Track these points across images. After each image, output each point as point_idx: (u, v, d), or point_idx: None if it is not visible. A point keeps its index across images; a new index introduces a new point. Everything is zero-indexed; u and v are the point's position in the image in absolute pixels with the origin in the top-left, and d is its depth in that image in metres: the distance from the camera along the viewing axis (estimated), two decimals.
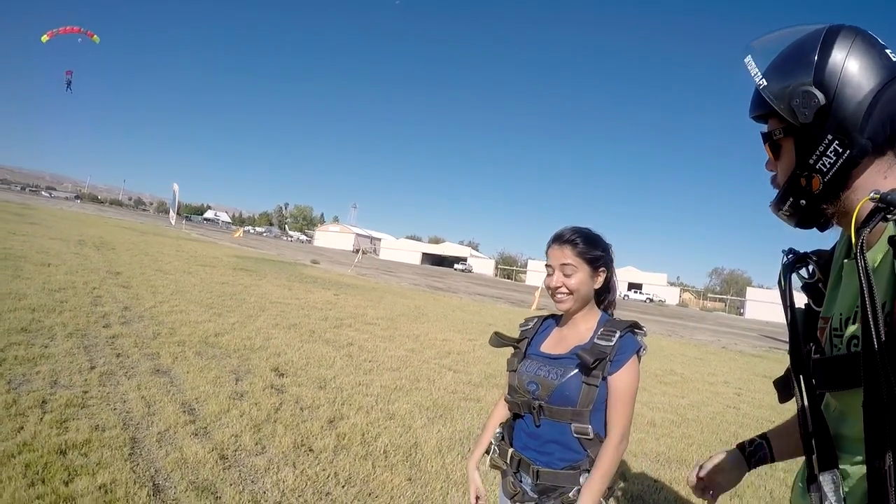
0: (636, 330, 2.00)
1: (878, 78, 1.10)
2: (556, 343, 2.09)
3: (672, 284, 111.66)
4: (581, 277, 2.00)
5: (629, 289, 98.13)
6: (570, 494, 1.89)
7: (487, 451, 2.17)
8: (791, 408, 1.27)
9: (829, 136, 1.12)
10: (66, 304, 8.13)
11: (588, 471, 1.89)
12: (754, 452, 1.55)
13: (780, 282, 1.37)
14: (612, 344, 1.92)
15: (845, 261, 1.22)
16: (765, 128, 1.28)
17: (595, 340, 1.96)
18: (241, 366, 6.44)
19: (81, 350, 5.93)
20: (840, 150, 1.11)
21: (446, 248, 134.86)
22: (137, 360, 5.91)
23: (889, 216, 1.03)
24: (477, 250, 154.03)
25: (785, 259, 1.38)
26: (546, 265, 2.08)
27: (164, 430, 4.23)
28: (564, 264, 2.01)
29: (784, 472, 5.30)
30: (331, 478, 3.91)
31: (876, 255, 1.08)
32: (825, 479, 1.09)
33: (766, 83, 1.20)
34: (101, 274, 11.88)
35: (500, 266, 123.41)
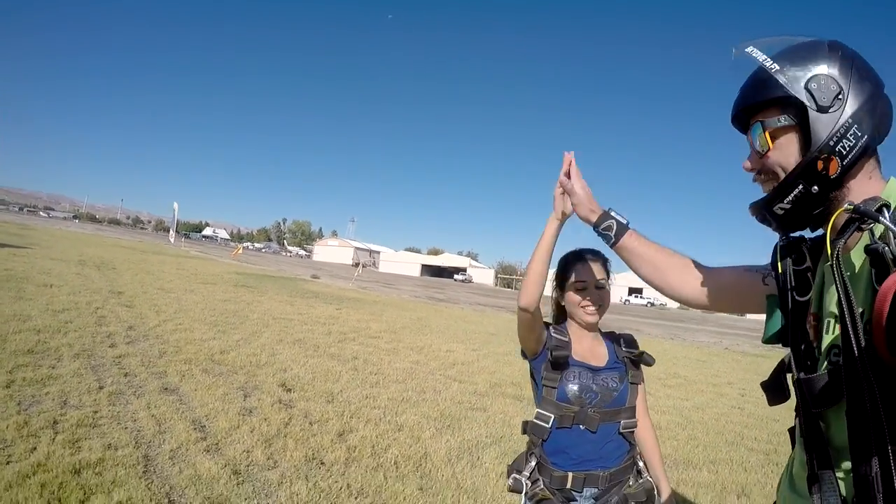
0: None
1: (875, 83, 1.18)
2: (586, 354, 2.15)
3: None
4: (609, 290, 2.17)
5: (630, 293, 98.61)
6: (630, 482, 2.07)
7: (518, 490, 2.09)
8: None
9: (849, 120, 1.14)
10: (70, 324, 8.15)
11: (639, 454, 2.15)
12: None
13: (774, 264, 1.35)
14: (639, 350, 2.21)
15: (826, 265, 1.21)
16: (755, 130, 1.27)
17: (625, 349, 2.20)
18: (248, 382, 6.47)
19: (89, 370, 5.95)
20: (859, 135, 1.14)
21: (445, 259, 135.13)
22: (145, 379, 5.93)
23: (864, 226, 1.06)
24: (476, 260, 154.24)
25: (780, 241, 1.36)
26: (577, 281, 2.14)
27: (176, 447, 4.25)
28: (600, 278, 2.12)
29: None
30: (343, 490, 3.94)
31: (855, 260, 1.12)
32: (824, 478, 1.09)
33: (778, 67, 1.19)
34: (103, 294, 11.90)
35: (500, 275, 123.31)
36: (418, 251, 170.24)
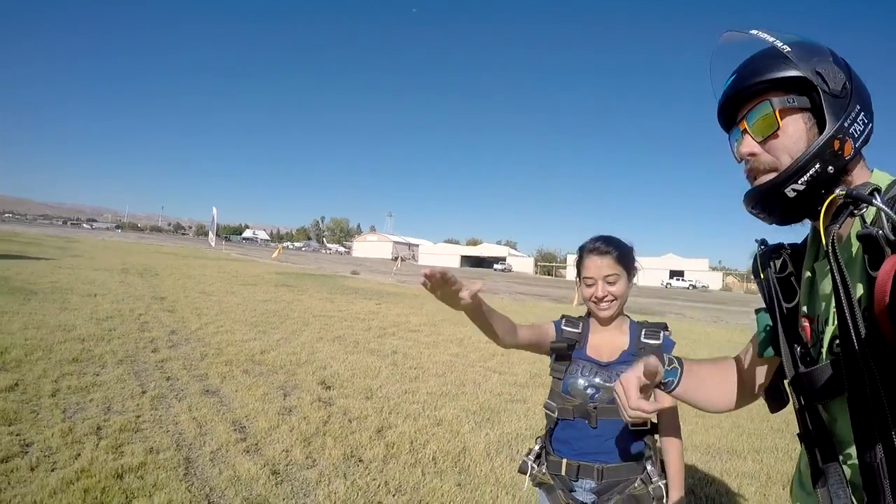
0: (666, 331, 2.16)
1: (865, 87, 1.20)
2: (600, 348, 2.14)
3: (714, 269, 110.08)
4: (623, 283, 2.11)
5: (671, 277, 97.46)
6: (636, 485, 1.99)
7: (524, 471, 2.18)
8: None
9: (858, 107, 1.14)
10: (114, 332, 8.32)
11: (651, 458, 2.03)
12: None
13: (756, 272, 1.34)
14: (660, 342, 2.08)
15: (816, 263, 1.23)
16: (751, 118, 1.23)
17: (643, 339, 2.11)
18: (288, 381, 6.52)
19: (132, 376, 6.06)
20: (866, 121, 1.15)
21: (484, 249, 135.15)
22: (187, 382, 6.02)
23: (856, 211, 1.05)
24: (515, 249, 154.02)
25: (759, 250, 1.36)
26: (585, 277, 2.14)
27: (216, 449, 4.30)
28: (608, 274, 2.08)
29: None
30: (381, 487, 3.93)
31: (849, 248, 1.10)
32: (830, 471, 1.08)
33: (790, 49, 1.17)
34: (146, 300, 12.14)
35: (539, 263, 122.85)
36: (457, 242, 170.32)
